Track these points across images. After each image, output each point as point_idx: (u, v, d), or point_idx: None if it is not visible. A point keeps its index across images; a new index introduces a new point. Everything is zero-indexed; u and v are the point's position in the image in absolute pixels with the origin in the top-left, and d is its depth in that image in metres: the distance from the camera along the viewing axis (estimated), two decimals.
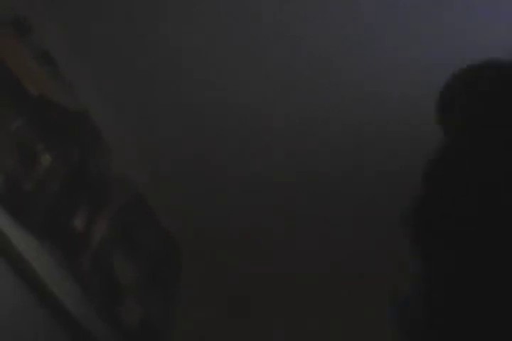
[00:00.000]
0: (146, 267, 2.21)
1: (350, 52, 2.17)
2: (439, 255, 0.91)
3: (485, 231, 0.85)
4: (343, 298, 2.66)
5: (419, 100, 2.25)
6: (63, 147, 1.93)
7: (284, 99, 2.31)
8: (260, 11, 2.11)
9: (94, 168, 2.06)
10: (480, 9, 2.08)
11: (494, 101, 0.98)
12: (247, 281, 2.77)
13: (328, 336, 2.57)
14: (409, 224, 0.98)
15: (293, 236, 2.66)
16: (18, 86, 1.83)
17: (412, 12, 2.09)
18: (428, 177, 1.01)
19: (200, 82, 2.26)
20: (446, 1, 2.05)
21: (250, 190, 2.54)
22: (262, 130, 2.38)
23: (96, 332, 1.86)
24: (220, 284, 2.75)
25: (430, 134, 2.42)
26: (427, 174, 1.02)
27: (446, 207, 0.92)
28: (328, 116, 2.33)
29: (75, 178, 1.94)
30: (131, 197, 2.24)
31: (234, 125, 2.37)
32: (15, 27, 1.94)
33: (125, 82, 2.26)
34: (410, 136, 2.36)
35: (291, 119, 2.35)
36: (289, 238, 2.68)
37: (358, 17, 2.09)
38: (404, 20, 2.11)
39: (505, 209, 0.85)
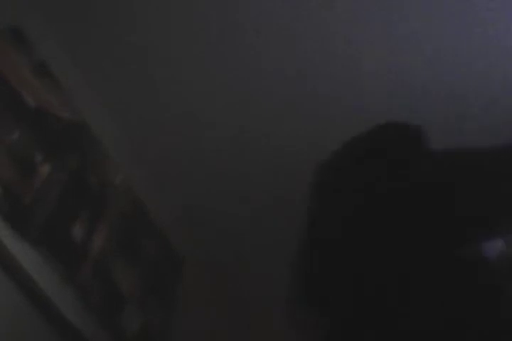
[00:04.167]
0: (146, 273, 2.22)
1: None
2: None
3: None
4: None
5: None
6: (62, 157, 1.94)
7: (282, 103, 2.33)
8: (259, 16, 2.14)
9: (93, 177, 2.07)
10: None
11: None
12: (247, 285, 2.78)
13: None
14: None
15: (294, 237, 2.67)
16: (15, 97, 1.85)
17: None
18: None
19: (200, 89, 2.28)
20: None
21: (251, 195, 2.55)
22: (264, 135, 2.40)
23: (96, 340, 1.87)
24: (221, 288, 2.77)
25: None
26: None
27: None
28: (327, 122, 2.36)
29: (74, 188, 1.95)
30: (130, 205, 2.25)
31: (234, 130, 2.38)
32: (12, 37, 1.95)
33: (124, 92, 2.27)
34: None
35: (291, 121, 2.38)
36: (289, 239, 2.69)
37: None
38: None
39: None
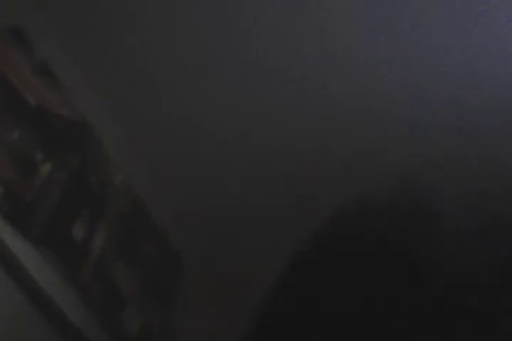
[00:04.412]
0: (146, 274, 2.22)
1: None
2: None
3: None
4: None
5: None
6: (62, 157, 1.94)
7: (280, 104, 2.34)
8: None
9: (93, 177, 2.07)
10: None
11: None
12: (247, 285, 2.78)
13: None
14: None
15: (294, 236, 2.67)
16: (16, 96, 1.85)
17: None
18: None
19: (201, 88, 2.28)
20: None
21: (252, 195, 2.55)
22: (266, 134, 2.40)
23: (96, 339, 1.87)
24: (221, 289, 2.76)
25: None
26: None
27: None
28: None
29: (75, 188, 1.95)
30: (130, 205, 2.25)
31: (235, 130, 2.38)
32: (13, 37, 1.95)
33: (124, 91, 2.27)
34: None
35: (292, 122, 2.38)
36: (290, 240, 2.68)
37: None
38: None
39: None
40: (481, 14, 2.12)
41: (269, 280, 2.50)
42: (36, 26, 2.07)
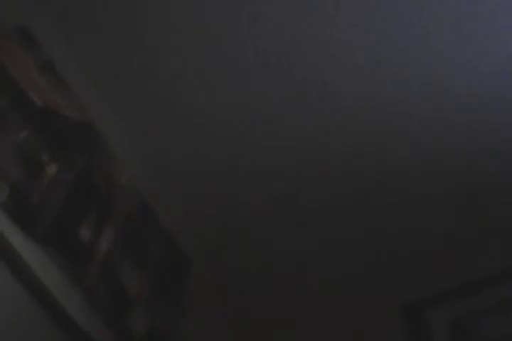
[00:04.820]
0: (153, 277, 2.21)
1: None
2: None
3: None
4: (345, 303, 2.67)
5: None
6: (69, 157, 1.94)
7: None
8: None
9: (99, 178, 2.07)
10: None
11: None
12: (254, 287, 2.78)
13: (329, 337, 2.58)
14: None
15: (295, 237, 2.67)
16: (22, 96, 1.84)
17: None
18: None
19: (207, 88, 2.29)
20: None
21: (258, 199, 2.55)
22: (272, 134, 2.40)
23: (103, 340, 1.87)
24: (229, 291, 2.76)
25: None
26: None
27: None
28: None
29: (81, 188, 1.95)
30: (137, 206, 2.25)
31: (241, 128, 2.39)
32: (20, 36, 1.95)
33: (131, 92, 2.28)
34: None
35: (294, 123, 2.38)
36: (292, 240, 2.69)
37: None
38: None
39: None
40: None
41: (279, 282, 2.45)
42: (43, 26, 2.08)
